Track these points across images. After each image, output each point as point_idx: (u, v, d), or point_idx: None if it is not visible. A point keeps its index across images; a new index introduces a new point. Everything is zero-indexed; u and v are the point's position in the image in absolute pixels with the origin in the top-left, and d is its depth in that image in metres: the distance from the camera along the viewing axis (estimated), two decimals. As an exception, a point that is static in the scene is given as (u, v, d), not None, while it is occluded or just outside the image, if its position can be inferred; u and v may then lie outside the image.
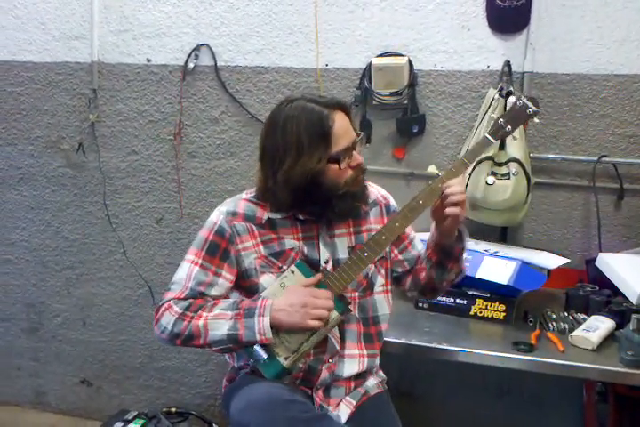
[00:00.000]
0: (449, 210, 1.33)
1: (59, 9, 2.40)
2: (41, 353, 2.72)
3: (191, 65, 2.31)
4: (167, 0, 2.31)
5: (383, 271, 1.52)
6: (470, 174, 1.95)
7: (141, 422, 2.27)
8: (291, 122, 1.34)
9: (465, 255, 1.48)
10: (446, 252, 1.44)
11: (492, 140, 1.36)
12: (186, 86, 2.35)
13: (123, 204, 2.51)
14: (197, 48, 2.31)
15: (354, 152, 1.39)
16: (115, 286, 2.58)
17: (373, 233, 1.45)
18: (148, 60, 2.38)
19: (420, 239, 1.61)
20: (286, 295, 1.34)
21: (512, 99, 1.40)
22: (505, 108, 1.91)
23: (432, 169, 1.40)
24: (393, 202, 1.58)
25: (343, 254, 1.45)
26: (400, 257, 1.57)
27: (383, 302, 1.51)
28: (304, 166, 1.32)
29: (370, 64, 2.13)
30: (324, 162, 1.34)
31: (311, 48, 2.22)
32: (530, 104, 1.37)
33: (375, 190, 1.56)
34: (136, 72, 2.39)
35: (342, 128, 1.36)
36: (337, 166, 1.35)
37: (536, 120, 1.38)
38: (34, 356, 2.73)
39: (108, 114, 2.45)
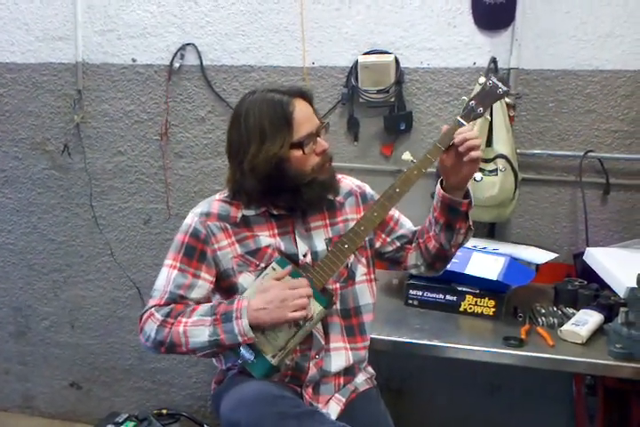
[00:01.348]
0: (473, 153, 1.28)
1: (41, 9, 2.38)
2: (29, 357, 2.69)
3: (177, 64, 2.30)
4: (151, -1, 2.30)
5: (364, 260, 1.51)
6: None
7: (132, 424, 2.24)
8: (252, 111, 1.36)
9: (471, 212, 1.41)
10: (454, 209, 1.38)
11: (464, 122, 1.34)
12: (172, 86, 2.34)
13: (109, 205, 2.49)
14: (183, 47, 2.29)
15: (318, 138, 1.38)
16: (103, 288, 2.56)
17: (350, 223, 1.44)
18: (134, 60, 2.36)
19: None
20: (262, 293, 1.33)
21: (481, 80, 1.37)
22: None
23: (407, 156, 1.38)
24: (369, 190, 1.57)
25: (321, 247, 1.44)
26: (388, 239, 1.56)
27: (365, 292, 1.50)
28: (267, 152, 1.33)
29: (356, 62, 2.13)
30: (286, 147, 1.33)
31: (297, 46, 2.22)
32: (500, 84, 1.34)
33: (349, 181, 1.56)
34: (121, 72, 2.38)
35: (303, 114, 1.36)
36: (301, 152, 1.35)
37: (507, 100, 1.37)
38: (22, 360, 2.70)
39: (93, 115, 2.43)
